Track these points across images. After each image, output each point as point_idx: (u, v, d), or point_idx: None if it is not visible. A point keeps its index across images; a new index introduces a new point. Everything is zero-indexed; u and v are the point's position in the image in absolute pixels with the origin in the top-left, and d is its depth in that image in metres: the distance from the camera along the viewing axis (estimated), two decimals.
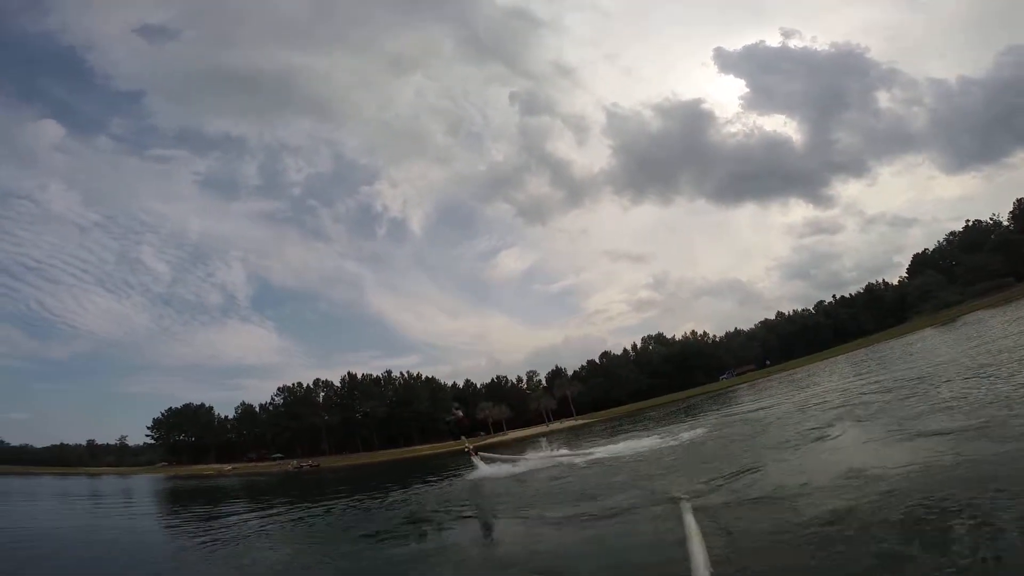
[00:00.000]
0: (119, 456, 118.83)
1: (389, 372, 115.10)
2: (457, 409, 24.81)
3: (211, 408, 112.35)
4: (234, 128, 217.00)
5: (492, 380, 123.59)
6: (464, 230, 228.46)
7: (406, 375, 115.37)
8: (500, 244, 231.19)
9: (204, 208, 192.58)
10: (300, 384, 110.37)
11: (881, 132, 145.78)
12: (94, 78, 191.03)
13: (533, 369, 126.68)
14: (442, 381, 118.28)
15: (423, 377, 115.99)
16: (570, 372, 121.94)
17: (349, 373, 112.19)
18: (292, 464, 78.32)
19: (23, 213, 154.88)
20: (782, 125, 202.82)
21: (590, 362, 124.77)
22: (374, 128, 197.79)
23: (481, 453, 20.84)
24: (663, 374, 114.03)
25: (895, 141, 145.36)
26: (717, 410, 30.86)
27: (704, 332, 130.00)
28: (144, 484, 48.94)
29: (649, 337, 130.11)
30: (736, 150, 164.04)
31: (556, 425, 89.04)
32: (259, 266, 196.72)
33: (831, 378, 31.55)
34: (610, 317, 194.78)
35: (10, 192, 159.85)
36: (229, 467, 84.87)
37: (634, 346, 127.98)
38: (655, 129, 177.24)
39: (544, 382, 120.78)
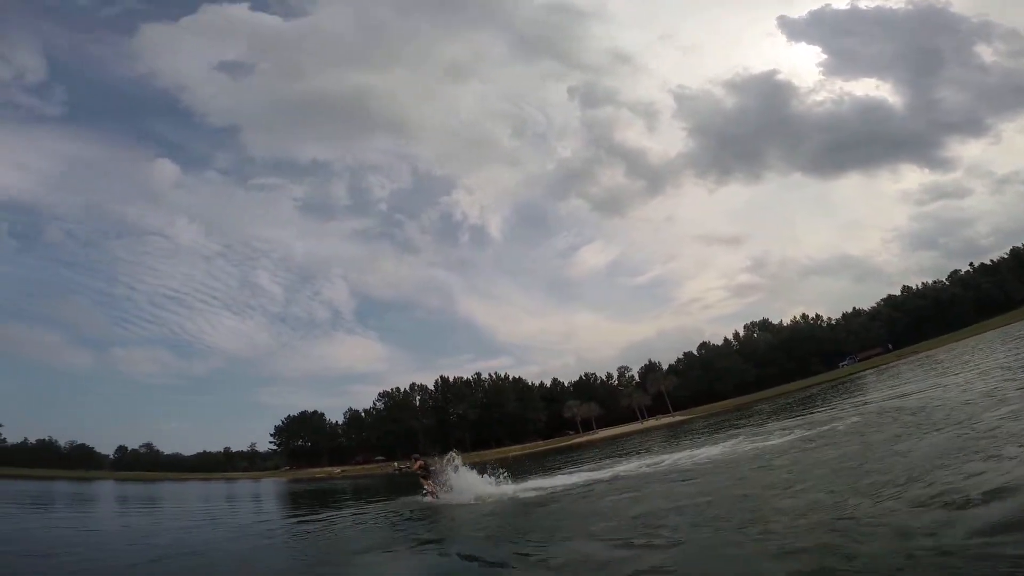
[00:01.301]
0: (251, 461, 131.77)
1: (478, 374, 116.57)
2: (416, 458, 22.83)
3: (322, 415, 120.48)
4: (320, 153, 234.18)
5: (580, 377, 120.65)
6: (541, 230, 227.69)
7: (494, 376, 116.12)
8: (579, 240, 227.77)
9: (305, 231, 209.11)
10: (399, 389, 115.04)
11: (994, 87, 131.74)
12: (192, 117, 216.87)
13: (625, 365, 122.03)
14: (529, 381, 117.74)
15: (510, 378, 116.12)
16: (665, 366, 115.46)
17: (441, 377, 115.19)
18: (393, 466, 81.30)
19: (159, 248, 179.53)
20: (874, 89, 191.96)
21: (687, 354, 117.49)
22: (444, 139, 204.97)
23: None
24: (772, 363, 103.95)
25: (1014, 95, 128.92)
26: (844, 400, 25.98)
27: (816, 315, 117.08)
28: (270, 487, 52.57)
29: (752, 324, 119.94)
30: (826, 118, 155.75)
31: (651, 422, 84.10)
32: (359, 281, 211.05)
33: (992, 358, 25.15)
34: (707, 305, 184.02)
35: (145, 229, 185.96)
36: (338, 470, 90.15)
37: (736, 335, 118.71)
38: (730, 106, 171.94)
39: (637, 377, 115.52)
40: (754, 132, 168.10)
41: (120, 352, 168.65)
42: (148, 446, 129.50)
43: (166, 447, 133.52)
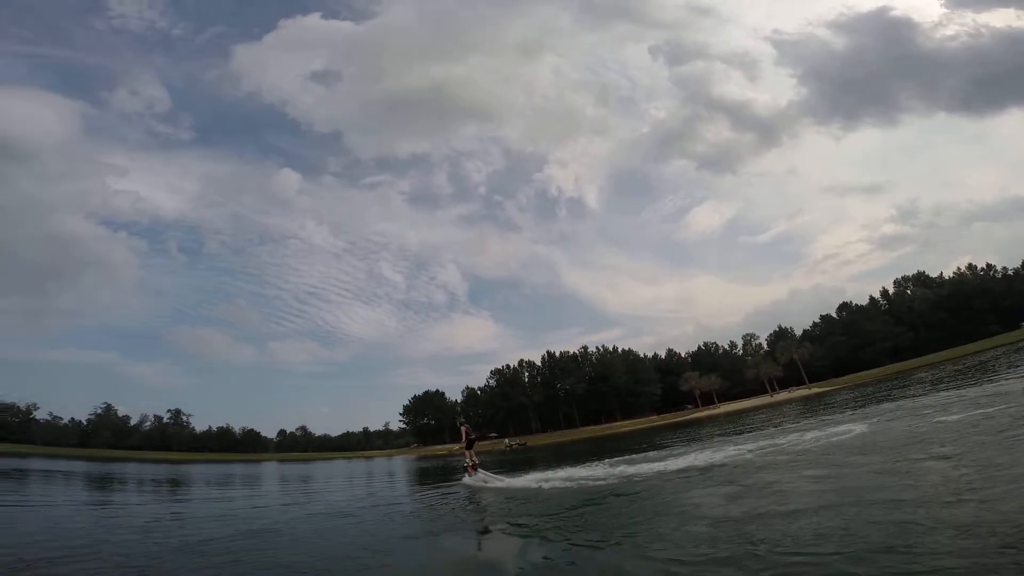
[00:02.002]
0: (386, 439, 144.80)
1: (585, 348, 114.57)
2: (462, 423, 21.11)
3: (443, 393, 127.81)
4: (417, 147, 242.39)
5: (699, 347, 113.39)
6: (643, 195, 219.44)
7: (601, 349, 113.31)
8: (688, 202, 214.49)
9: (416, 221, 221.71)
10: (508, 366, 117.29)
11: None
12: (300, 126, 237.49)
13: (751, 332, 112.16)
14: (642, 353, 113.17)
15: (619, 350, 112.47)
16: (799, 332, 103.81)
17: (548, 352, 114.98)
18: (505, 443, 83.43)
19: (296, 250, 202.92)
20: (1016, 20, 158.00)
21: (824, 317, 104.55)
22: (528, 117, 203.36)
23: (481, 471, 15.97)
24: (932, 324, 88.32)
25: None
26: None
27: (987, 265, 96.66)
28: (397, 465, 56.12)
29: (904, 279, 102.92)
30: (964, 53, 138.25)
31: (783, 395, 75.90)
32: (469, 264, 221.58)
33: None
34: (846, 261, 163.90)
35: (284, 234, 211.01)
36: (457, 446, 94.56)
37: (884, 292, 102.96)
38: (842, 47, 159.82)
39: (765, 345, 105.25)
40: (877, 73, 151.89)
41: (276, 345, 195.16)
42: (303, 428, 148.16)
43: (317, 429, 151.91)
